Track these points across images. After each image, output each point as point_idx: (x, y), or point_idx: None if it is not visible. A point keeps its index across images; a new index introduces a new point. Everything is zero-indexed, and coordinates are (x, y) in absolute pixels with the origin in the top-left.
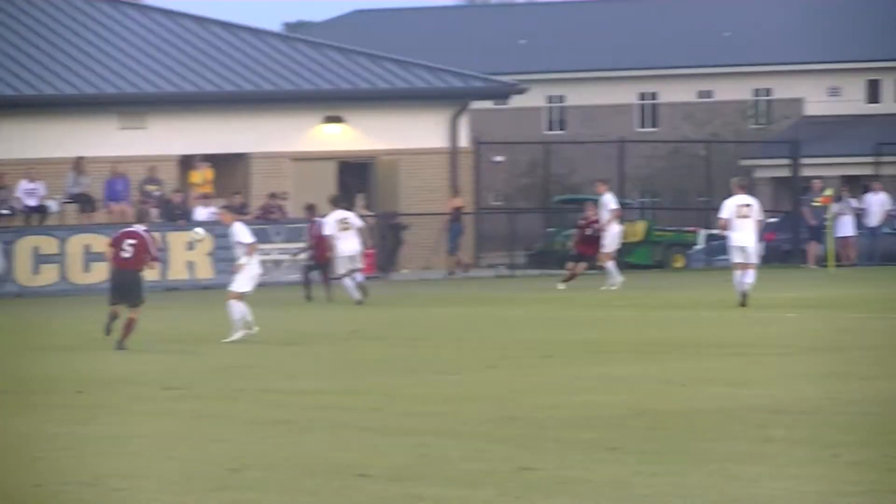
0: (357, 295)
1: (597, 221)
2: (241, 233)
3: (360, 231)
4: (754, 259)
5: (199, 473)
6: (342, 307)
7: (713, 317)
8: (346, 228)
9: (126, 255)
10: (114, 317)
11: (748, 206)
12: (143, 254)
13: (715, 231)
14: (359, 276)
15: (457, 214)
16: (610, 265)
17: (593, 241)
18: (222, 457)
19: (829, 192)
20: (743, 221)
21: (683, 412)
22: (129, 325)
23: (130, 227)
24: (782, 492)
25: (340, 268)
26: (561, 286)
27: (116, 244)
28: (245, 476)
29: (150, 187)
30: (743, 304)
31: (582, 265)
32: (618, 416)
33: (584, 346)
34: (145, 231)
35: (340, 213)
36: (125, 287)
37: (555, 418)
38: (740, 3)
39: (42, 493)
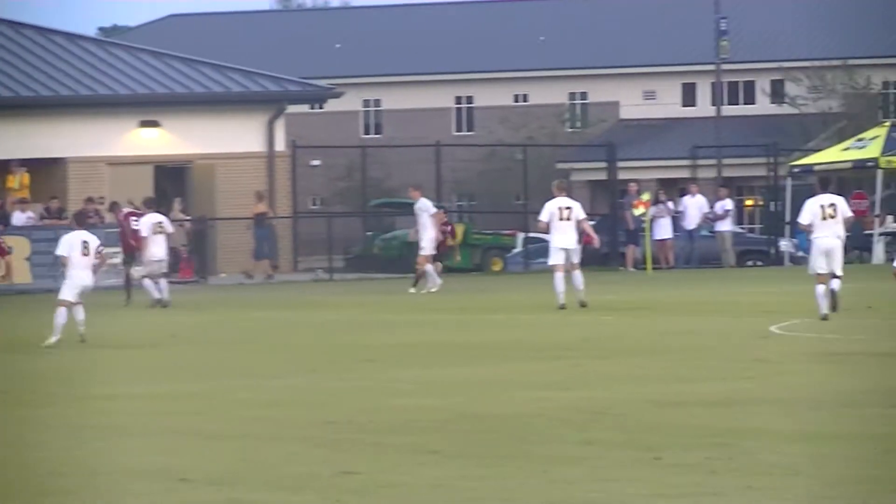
0: (157, 295)
1: (447, 223)
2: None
3: (171, 237)
4: (576, 260)
5: (18, 479)
6: (161, 312)
7: (532, 320)
8: (159, 232)
9: None
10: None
11: (569, 208)
12: None
13: (533, 234)
14: (163, 282)
15: (260, 219)
16: (429, 268)
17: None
18: (42, 462)
19: (646, 196)
20: (564, 224)
21: (504, 415)
22: None
23: None
24: (603, 494)
25: (145, 270)
26: (412, 290)
27: None
28: (66, 481)
29: None
30: (584, 305)
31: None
32: (438, 419)
33: (404, 349)
34: None
35: (156, 217)
36: None
37: (375, 422)
38: (554, 7)
39: None
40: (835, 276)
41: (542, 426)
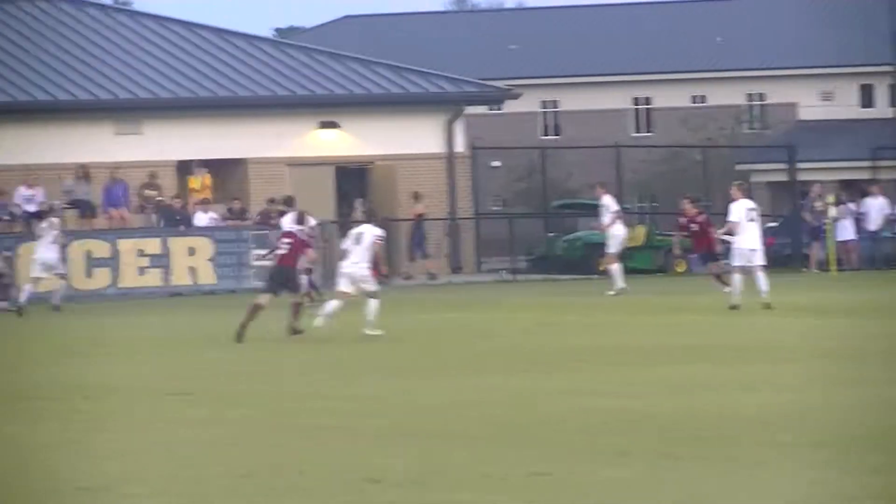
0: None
1: (698, 215)
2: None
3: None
4: (760, 262)
5: (209, 479)
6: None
7: (720, 321)
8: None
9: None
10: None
11: (754, 209)
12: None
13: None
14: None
15: (419, 221)
16: (614, 269)
17: (703, 235)
18: (232, 462)
19: (830, 199)
20: (750, 225)
21: (694, 416)
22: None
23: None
24: (796, 497)
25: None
26: (726, 289)
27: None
28: (255, 482)
29: (149, 192)
30: (768, 307)
31: (720, 263)
32: (628, 420)
33: (596, 351)
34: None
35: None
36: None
37: (567, 423)
38: (733, 9)
39: (55, 498)
40: None
41: (732, 428)
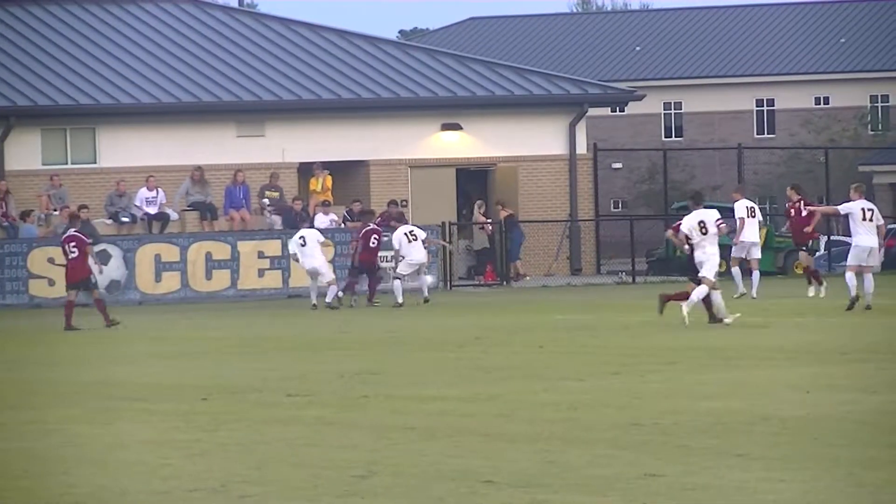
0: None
1: (798, 201)
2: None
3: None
4: (874, 262)
5: (326, 480)
6: (463, 312)
7: (838, 323)
8: (414, 239)
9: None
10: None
11: (871, 209)
12: None
13: (835, 237)
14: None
15: (510, 224)
16: (735, 271)
17: (802, 223)
18: (349, 463)
19: None
20: (866, 225)
21: (809, 418)
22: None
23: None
24: None
25: (404, 270)
26: (811, 291)
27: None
28: (372, 482)
29: (270, 194)
30: (868, 308)
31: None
32: (742, 422)
33: (707, 352)
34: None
35: (407, 227)
36: None
37: (679, 424)
38: (854, 10)
39: (169, 499)
40: None
41: (848, 429)
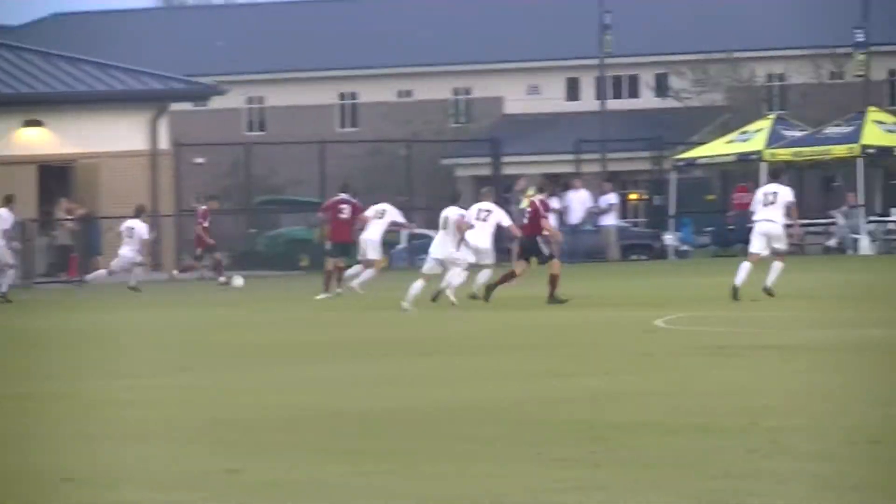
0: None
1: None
2: None
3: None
4: (488, 260)
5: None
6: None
7: (430, 317)
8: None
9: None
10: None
11: (489, 211)
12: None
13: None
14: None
15: (89, 220)
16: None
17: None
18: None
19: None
20: (481, 224)
21: (391, 412)
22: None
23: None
24: (480, 490)
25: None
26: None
27: None
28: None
29: None
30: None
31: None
32: (320, 416)
33: (282, 348)
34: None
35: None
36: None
37: (257, 420)
38: (437, 3)
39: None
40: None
41: (422, 423)
